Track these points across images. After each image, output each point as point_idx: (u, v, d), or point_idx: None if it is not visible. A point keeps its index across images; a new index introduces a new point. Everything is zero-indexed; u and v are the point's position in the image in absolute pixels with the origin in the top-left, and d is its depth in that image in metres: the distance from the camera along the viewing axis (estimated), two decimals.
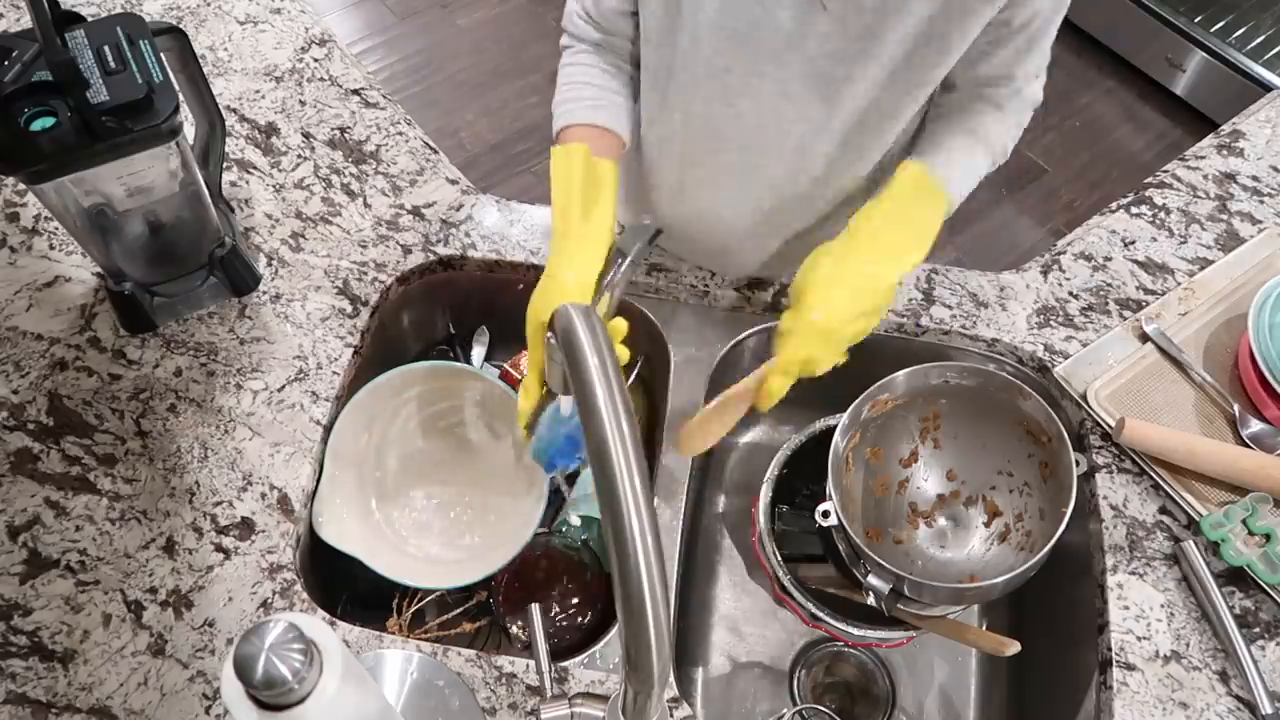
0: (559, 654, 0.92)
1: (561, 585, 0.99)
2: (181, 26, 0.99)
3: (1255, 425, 0.98)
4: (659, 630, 0.47)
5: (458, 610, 1.04)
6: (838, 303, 0.79)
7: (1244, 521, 0.91)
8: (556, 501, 1.13)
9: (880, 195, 0.84)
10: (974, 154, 0.88)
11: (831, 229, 0.97)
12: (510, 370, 1.12)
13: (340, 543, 0.93)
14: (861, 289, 0.79)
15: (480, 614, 1.04)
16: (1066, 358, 1.04)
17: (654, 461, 1.02)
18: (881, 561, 0.84)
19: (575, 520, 1.05)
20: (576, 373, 0.48)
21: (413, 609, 1.00)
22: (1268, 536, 0.90)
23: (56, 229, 1.10)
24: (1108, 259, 1.12)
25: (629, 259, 0.82)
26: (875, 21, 0.78)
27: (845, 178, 0.96)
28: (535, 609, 0.73)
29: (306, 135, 1.20)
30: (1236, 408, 0.99)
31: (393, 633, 0.97)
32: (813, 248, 0.86)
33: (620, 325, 0.83)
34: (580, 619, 0.97)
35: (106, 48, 0.84)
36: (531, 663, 0.86)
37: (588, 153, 0.84)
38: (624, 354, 0.83)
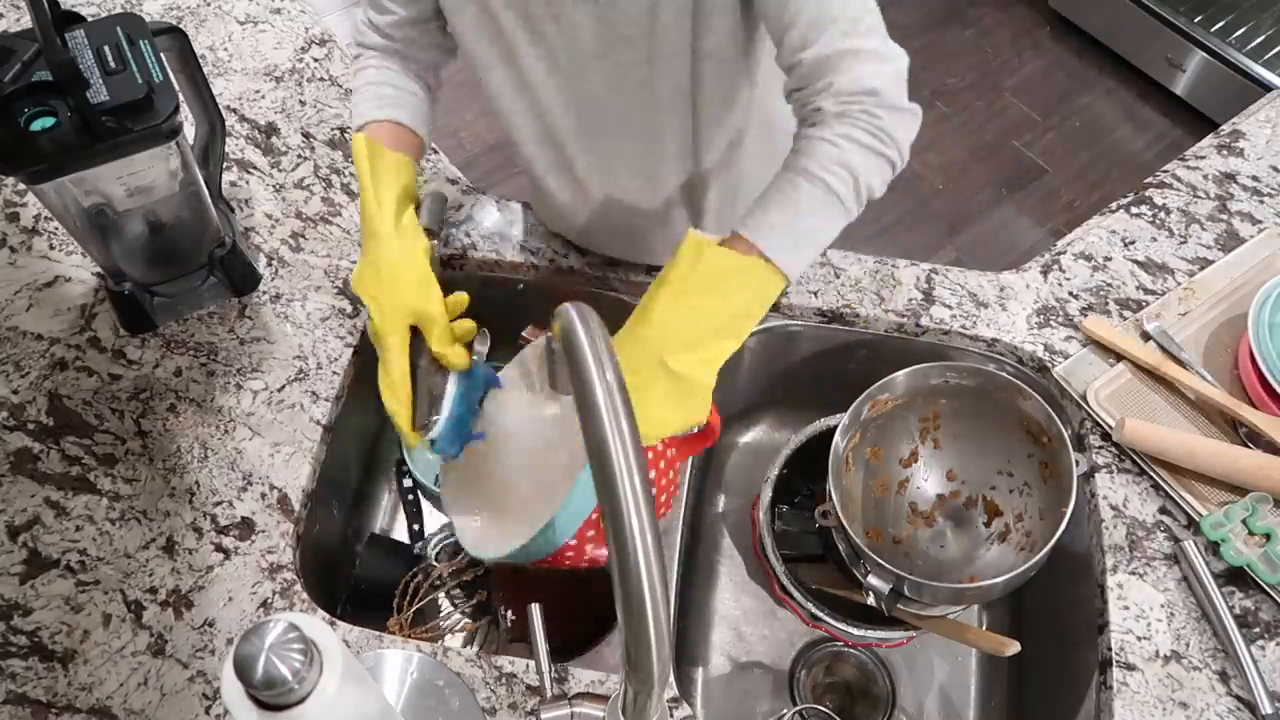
0: (558, 652, 0.92)
1: (561, 582, 0.99)
2: (181, 26, 0.99)
3: None
4: (659, 630, 0.47)
5: (457, 610, 1.04)
6: (644, 407, 0.70)
7: (1244, 521, 0.91)
8: None
9: (664, 274, 0.73)
10: (796, 191, 0.73)
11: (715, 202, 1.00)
12: None
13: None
14: (633, 375, 0.70)
15: (480, 613, 1.04)
16: (1066, 358, 1.04)
17: None
18: (881, 562, 0.84)
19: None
20: (576, 372, 0.48)
21: (413, 608, 1.00)
22: (1268, 536, 0.90)
23: (56, 229, 1.10)
24: (1108, 259, 1.12)
25: (438, 238, 0.84)
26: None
27: (680, 159, 0.94)
28: (536, 609, 0.73)
29: (306, 135, 1.20)
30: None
31: (393, 632, 0.97)
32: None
33: (460, 298, 0.85)
34: (579, 618, 0.97)
35: (106, 48, 0.84)
36: (531, 663, 0.86)
37: (371, 143, 0.85)
38: (469, 327, 0.85)
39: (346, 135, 1.20)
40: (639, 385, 0.69)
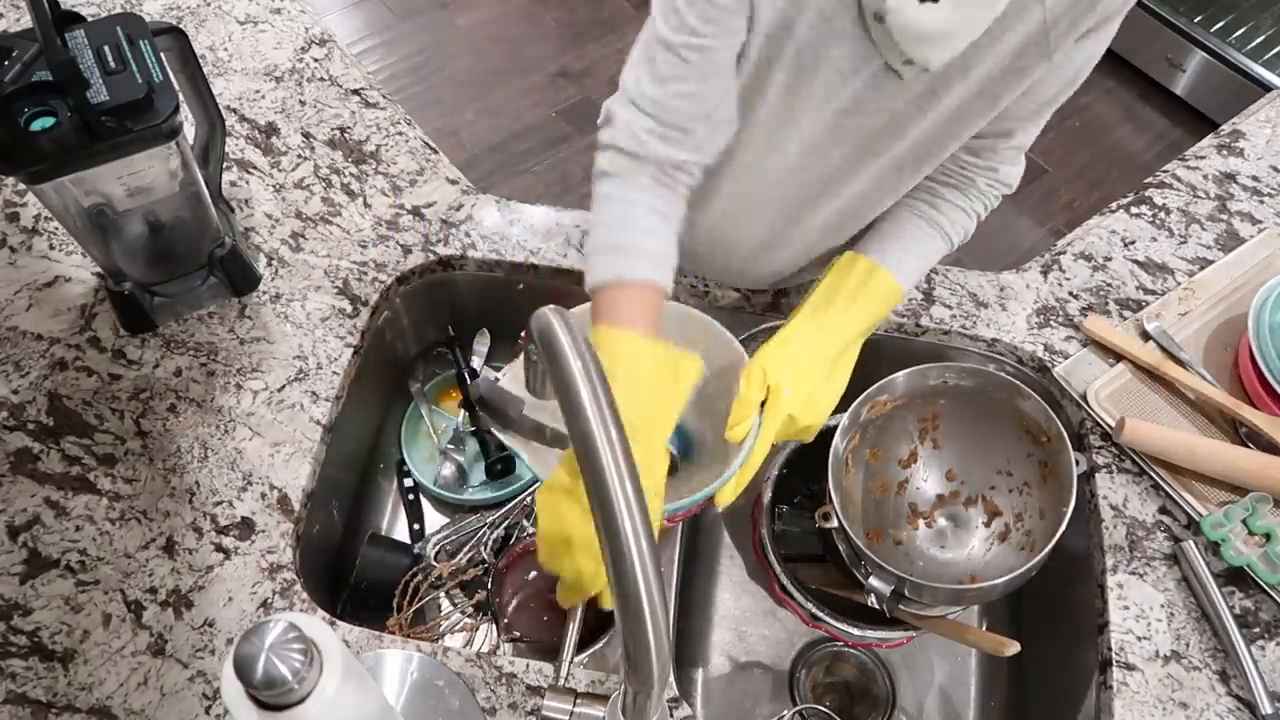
0: (554, 652, 0.92)
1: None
2: (181, 26, 0.99)
3: None
4: (657, 630, 0.47)
5: (457, 609, 1.04)
6: (807, 382, 0.81)
7: (1244, 521, 0.91)
8: None
9: (836, 287, 0.86)
10: (930, 244, 0.91)
11: (844, 247, 0.97)
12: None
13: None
14: (825, 373, 0.83)
15: (479, 613, 1.04)
16: (1066, 358, 1.04)
17: None
18: (883, 564, 0.84)
19: None
20: (558, 375, 0.47)
21: (413, 608, 1.00)
22: (1268, 536, 0.90)
23: (56, 229, 1.10)
24: (1108, 259, 1.12)
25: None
26: (939, 84, 0.77)
27: (869, 212, 0.93)
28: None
29: (306, 135, 1.20)
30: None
31: (393, 632, 0.97)
32: (822, 263, 0.93)
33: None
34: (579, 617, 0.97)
35: (106, 48, 0.84)
36: (531, 662, 0.86)
37: (670, 357, 0.74)
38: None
39: (347, 135, 1.20)
40: (823, 379, 0.82)
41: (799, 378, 0.80)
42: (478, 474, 1.14)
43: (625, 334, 0.73)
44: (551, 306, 0.50)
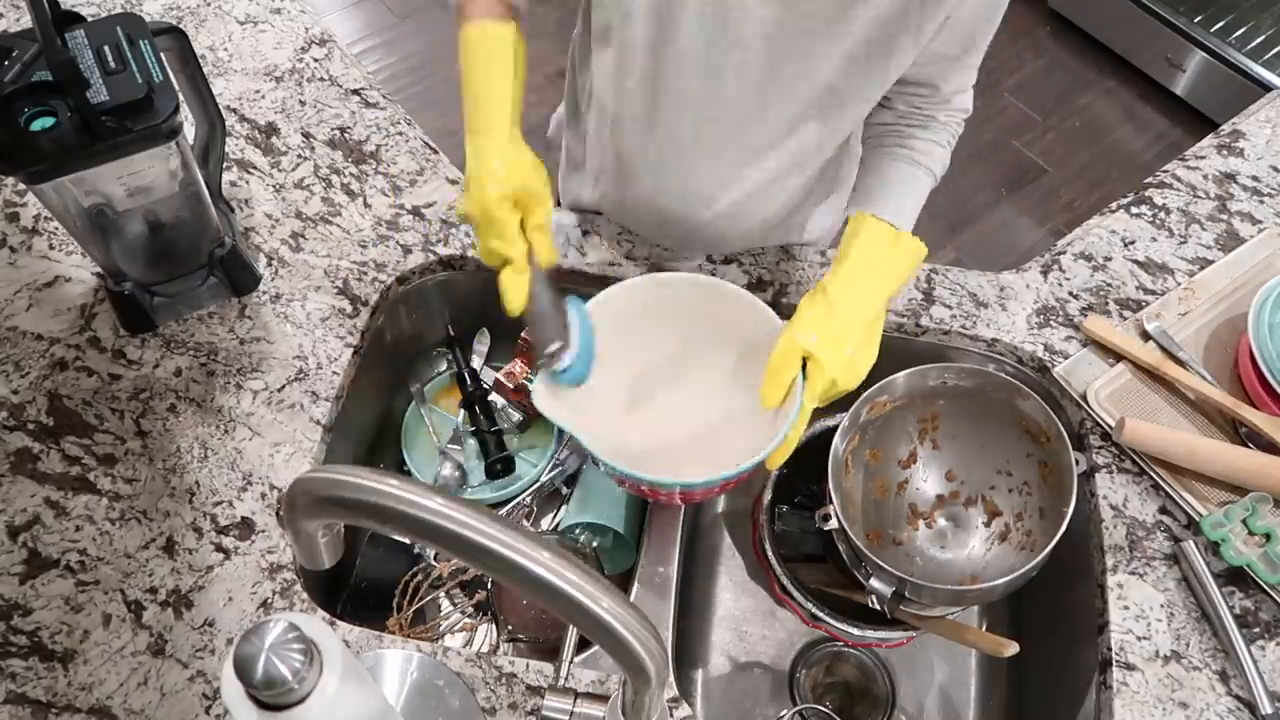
0: (553, 653, 0.92)
1: None
2: (181, 26, 0.99)
3: None
4: (641, 638, 0.47)
5: (457, 609, 1.04)
6: (839, 343, 0.83)
7: (1244, 521, 0.91)
8: (557, 502, 1.13)
9: (861, 250, 0.87)
10: (919, 183, 0.94)
11: (796, 217, 1.09)
12: (503, 380, 1.12)
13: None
14: (865, 336, 0.85)
15: (479, 613, 1.04)
16: (1066, 358, 1.04)
17: None
18: (884, 565, 0.84)
19: (586, 519, 1.04)
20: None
21: (413, 608, 1.00)
22: (1268, 536, 0.90)
23: (56, 229, 1.10)
24: (1108, 259, 1.12)
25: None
26: (848, 6, 0.81)
27: (816, 156, 0.99)
28: None
29: (306, 135, 1.20)
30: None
31: (393, 632, 0.97)
32: (782, 228, 1.01)
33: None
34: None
35: (106, 48, 0.84)
36: (531, 662, 0.86)
37: (506, 36, 0.84)
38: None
39: (347, 135, 1.20)
40: (863, 342, 0.84)
41: (836, 343, 0.82)
42: (477, 474, 1.14)
43: (466, 26, 0.84)
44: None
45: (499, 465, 1.11)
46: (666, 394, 0.95)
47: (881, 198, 0.92)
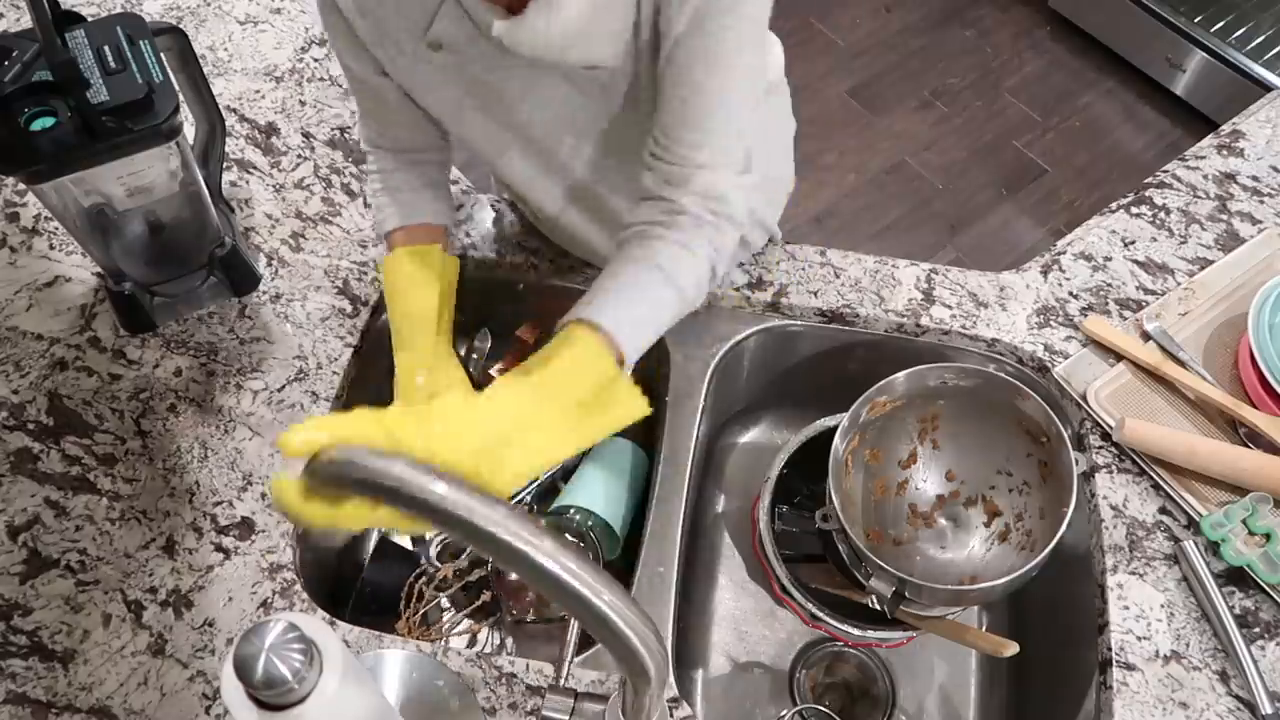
0: (552, 633, 0.91)
1: None
2: (181, 26, 0.99)
3: None
4: (641, 634, 0.47)
5: (460, 612, 1.04)
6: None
7: (1244, 521, 0.91)
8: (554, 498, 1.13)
9: (538, 359, 0.72)
10: (654, 290, 0.78)
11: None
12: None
13: None
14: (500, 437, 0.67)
15: (483, 615, 1.04)
16: (1066, 358, 1.04)
17: (654, 463, 1.03)
18: (884, 565, 0.84)
19: (581, 502, 1.04)
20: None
21: (419, 613, 1.00)
22: (1268, 536, 0.90)
23: (56, 229, 1.10)
24: (1108, 259, 1.12)
25: None
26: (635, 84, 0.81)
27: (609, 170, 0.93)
28: None
29: (306, 135, 1.20)
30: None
31: (402, 634, 0.97)
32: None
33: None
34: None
35: (106, 48, 0.84)
36: (531, 662, 0.86)
37: (410, 254, 0.92)
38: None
39: (346, 135, 1.20)
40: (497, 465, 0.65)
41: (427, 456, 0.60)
42: None
43: (389, 257, 0.93)
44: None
45: None
46: None
47: (615, 306, 0.76)
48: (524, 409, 0.68)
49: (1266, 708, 0.83)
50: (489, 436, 0.65)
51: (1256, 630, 0.88)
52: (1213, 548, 0.91)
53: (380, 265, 0.93)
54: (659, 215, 0.80)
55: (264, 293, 1.06)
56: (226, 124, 1.05)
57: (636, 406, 0.74)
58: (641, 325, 0.77)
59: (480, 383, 1.17)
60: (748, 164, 0.81)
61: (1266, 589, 0.89)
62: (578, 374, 0.71)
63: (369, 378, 1.08)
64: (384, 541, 1.08)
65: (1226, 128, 1.26)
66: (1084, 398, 1.00)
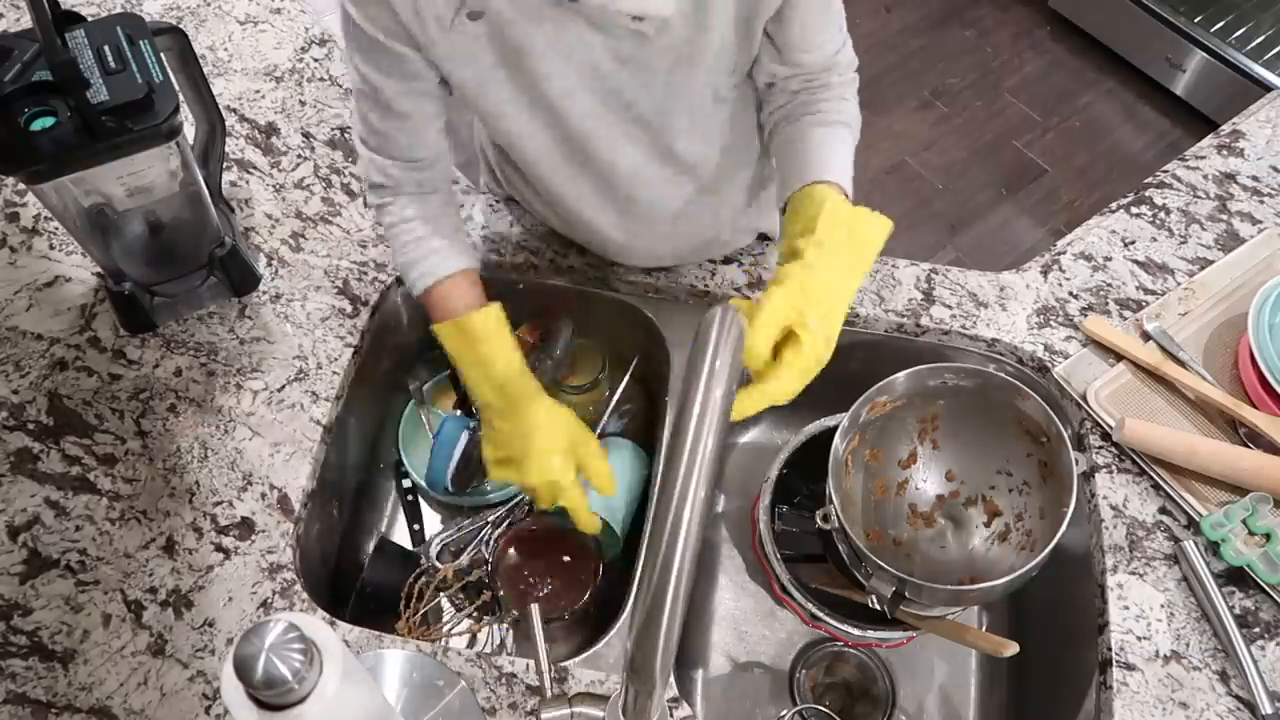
0: (553, 634, 0.91)
1: (563, 566, 0.99)
2: (181, 26, 0.99)
3: None
4: (669, 634, 0.47)
5: (461, 611, 1.04)
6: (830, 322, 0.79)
7: (1244, 521, 0.91)
8: None
9: (805, 223, 0.82)
10: (844, 140, 0.90)
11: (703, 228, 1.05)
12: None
13: None
14: (835, 301, 0.80)
15: (484, 614, 1.04)
16: (1066, 358, 1.04)
17: (654, 463, 1.03)
18: (884, 565, 0.84)
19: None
20: (691, 373, 0.50)
21: (419, 613, 1.00)
22: (1268, 536, 0.90)
23: (56, 229, 1.10)
24: (1108, 259, 1.12)
25: None
26: (694, 40, 0.82)
27: (708, 149, 0.96)
28: (535, 609, 0.73)
29: (306, 135, 1.20)
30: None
31: (402, 634, 0.97)
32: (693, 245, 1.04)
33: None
34: (576, 601, 0.97)
35: (106, 48, 0.84)
36: (531, 662, 0.86)
37: (493, 319, 0.91)
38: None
39: (346, 135, 1.20)
40: (825, 319, 0.78)
41: (822, 322, 0.78)
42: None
43: (459, 321, 0.90)
44: (724, 307, 0.53)
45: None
46: None
47: (820, 163, 0.87)
48: (839, 270, 0.80)
49: (1266, 708, 0.84)
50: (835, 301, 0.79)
51: (1256, 630, 0.88)
52: (1213, 548, 0.91)
53: (437, 331, 0.91)
54: (807, 92, 0.91)
55: (264, 293, 1.06)
56: (226, 124, 1.05)
57: (882, 223, 0.83)
58: (849, 170, 0.88)
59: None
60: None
61: (1267, 589, 0.89)
62: (847, 224, 0.82)
63: (369, 378, 1.08)
64: (384, 541, 1.08)
65: (1226, 128, 1.26)
66: (1084, 398, 1.00)
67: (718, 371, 0.50)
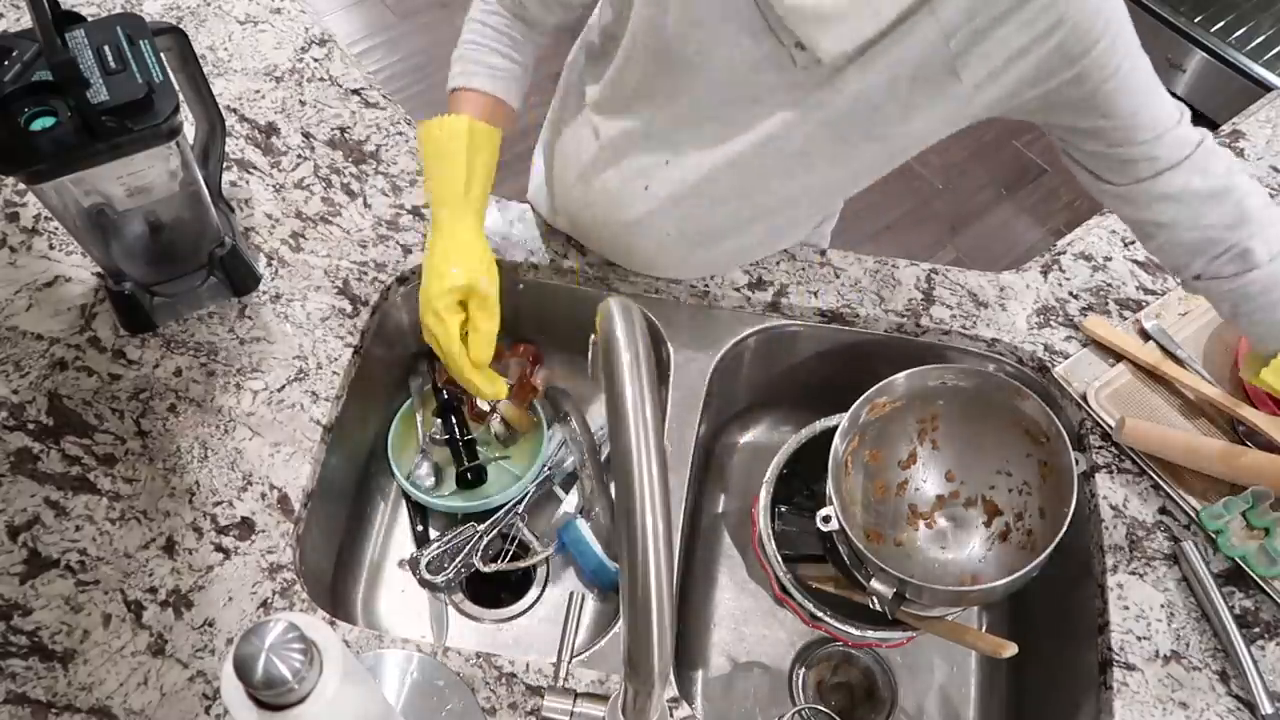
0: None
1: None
2: (181, 26, 0.99)
3: None
4: (662, 630, 0.47)
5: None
6: None
7: (1244, 514, 0.91)
8: (553, 504, 1.13)
9: None
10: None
11: (737, 242, 1.03)
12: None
13: None
14: None
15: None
16: (1066, 358, 1.04)
17: None
18: (885, 566, 0.84)
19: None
20: (610, 375, 0.49)
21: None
22: (1267, 531, 0.90)
23: (56, 229, 1.10)
24: (1108, 259, 1.12)
25: None
26: (834, 76, 0.81)
27: (771, 197, 0.95)
28: (576, 595, 0.74)
29: (306, 135, 1.20)
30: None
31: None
32: (717, 260, 1.03)
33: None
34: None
35: (106, 47, 0.84)
36: (531, 661, 0.86)
37: (474, 125, 0.90)
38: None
39: (346, 135, 1.20)
40: None
41: None
42: (450, 482, 1.12)
43: (436, 119, 0.90)
44: (617, 299, 0.52)
45: (468, 475, 1.09)
46: None
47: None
48: None
49: (1266, 708, 0.84)
50: None
51: (1256, 630, 0.88)
52: (1210, 540, 0.91)
53: (421, 136, 0.91)
54: (1210, 220, 0.83)
55: (264, 293, 1.06)
56: (226, 124, 1.05)
57: None
58: None
59: (450, 402, 1.15)
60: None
61: (1262, 584, 0.89)
62: None
63: (369, 378, 1.08)
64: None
65: (1226, 128, 1.26)
66: (1084, 398, 1.00)
67: (639, 354, 0.49)
